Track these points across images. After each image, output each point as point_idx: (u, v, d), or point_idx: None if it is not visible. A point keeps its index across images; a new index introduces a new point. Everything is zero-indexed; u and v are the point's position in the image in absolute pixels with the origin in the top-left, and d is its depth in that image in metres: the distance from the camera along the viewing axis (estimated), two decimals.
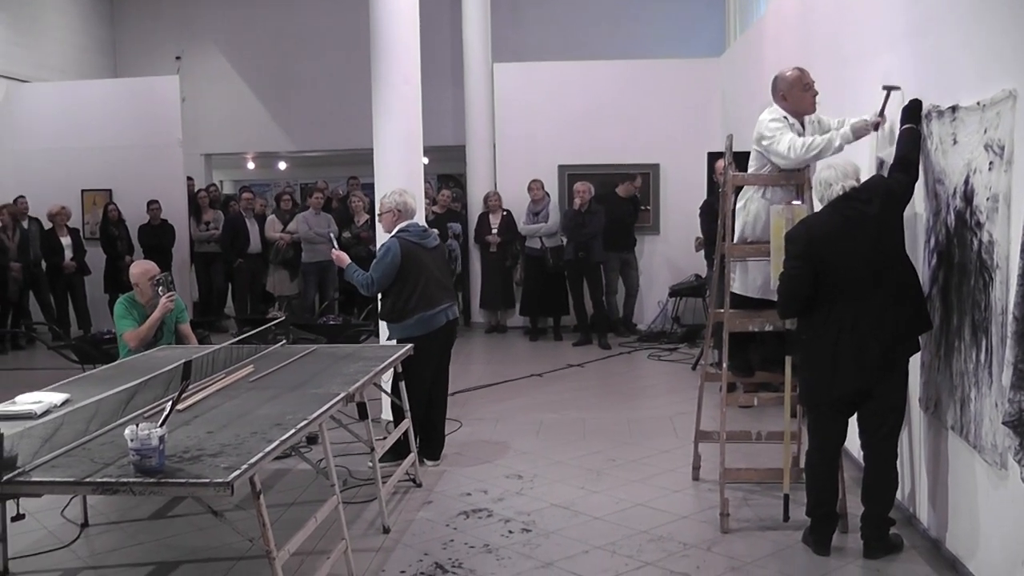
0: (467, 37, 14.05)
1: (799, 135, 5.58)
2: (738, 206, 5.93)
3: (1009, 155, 3.94)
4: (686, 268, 12.16)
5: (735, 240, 5.84)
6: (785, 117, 5.63)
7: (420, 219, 7.42)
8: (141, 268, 6.83)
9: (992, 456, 4.12)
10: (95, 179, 13.46)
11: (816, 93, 5.72)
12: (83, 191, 13.61)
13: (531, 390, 9.32)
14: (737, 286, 5.91)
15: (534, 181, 12.30)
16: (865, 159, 5.70)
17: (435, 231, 6.96)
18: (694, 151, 11.62)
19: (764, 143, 5.61)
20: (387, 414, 7.24)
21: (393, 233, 6.71)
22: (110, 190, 13.54)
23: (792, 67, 5.79)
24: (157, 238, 13.04)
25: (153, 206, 13.09)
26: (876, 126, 5.47)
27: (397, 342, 6.63)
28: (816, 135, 5.57)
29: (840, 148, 5.39)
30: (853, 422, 4.97)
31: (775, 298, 5.15)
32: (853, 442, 5.15)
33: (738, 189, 5.98)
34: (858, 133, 5.38)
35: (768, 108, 5.76)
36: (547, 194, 12.40)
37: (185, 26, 17.08)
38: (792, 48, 8.18)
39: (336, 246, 7.14)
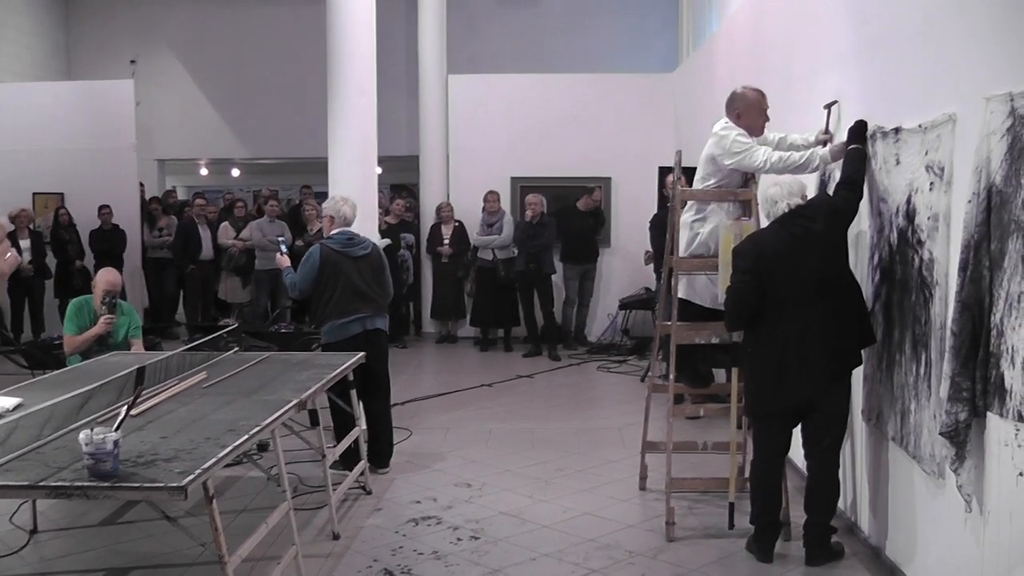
0: (422, 48, 14.06)
1: None
2: (687, 219, 5.99)
3: (949, 176, 4.05)
4: (636, 281, 12.29)
5: (683, 254, 5.90)
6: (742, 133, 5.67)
7: (367, 228, 7.43)
8: (104, 277, 6.82)
9: (930, 466, 4.22)
10: (47, 182, 13.25)
11: (768, 120, 5.79)
12: (34, 194, 13.37)
13: (481, 400, 9.35)
14: (684, 292, 5.94)
15: (490, 193, 12.29)
16: (810, 177, 5.81)
17: (368, 240, 6.87)
18: (646, 165, 11.73)
19: (736, 157, 5.57)
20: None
21: (321, 240, 6.81)
22: (62, 194, 13.32)
23: (753, 88, 5.80)
24: (108, 243, 12.84)
25: (104, 211, 12.89)
26: (824, 143, 5.59)
27: (321, 348, 6.66)
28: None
29: (817, 168, 5.46)
30: (797, 433, 5.07)
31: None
32: (797, 452, 5.24)
33: (684, 203, 6.04)
34: (835, 156, 5.34)
35: (722, 121, 5.77)
36: (502, 207, 12.42)
37: (140, 30, 16.93)
38: (744, 64, 8.31)
39: (284, 252, 7.13)
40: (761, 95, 5.77)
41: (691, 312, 5.90)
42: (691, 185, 5.97)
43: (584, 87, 13.11)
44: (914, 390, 4.43)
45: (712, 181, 5.80)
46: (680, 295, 5.83)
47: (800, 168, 5.43)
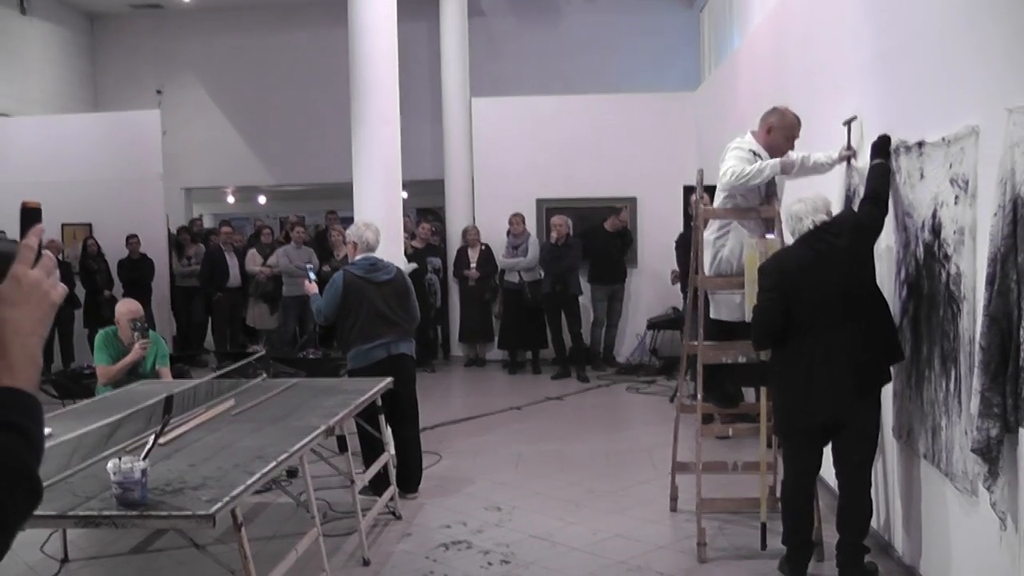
0: (445, 72, 14.14)
1: None
2: (709, 237, 5.99)
3: (973, 189, 4.03)
4: (664, 300, 12.26)
5: (708, 272, 5.90)
6: (752, 151, 5.72)
7: (393, 253, 7.48)
8: (126, 307, 6.89)
9: (963, 483, 4.18)
10: (75, 213, 13.39)
11: (792, 148, 5.81)
12: (63, 225, 13.56)
13: (510, 423, 9.35)
14: (712, 312, 5.95)
15: (515, 215, 12.33)
16: (835, 192, 5.80)
17: (392, 265, 6.89)
18: (670, 184, 11.77)
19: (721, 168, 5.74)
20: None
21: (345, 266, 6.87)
22: (90, 224, 13.49)
23: (795, 114, 5.85)
24: (137, 272, 12.98)
25: (132, 240, 13.03)
26: (848, 159, 5.60)
27: (348, 374, 6.71)
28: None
29: (768, 177, 5.58)
30: (828, 451, 5.03)
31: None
32: (828, 471, 5.20)
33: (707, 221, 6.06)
34: (784, 168, 5.55)
35: (739, 136, 5.85)
36: (527, 229, 12.43)
37: (166, 60, 17.09)
38: (766, 82, 8.31)
39: (312, 279, 7.17)
40: (798, 123, 5.82)
41: (719, 330, 5.90)
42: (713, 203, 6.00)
43: (607, 107, 13.15)
44: (944, 406, 4.40)
45: (724, 195, 5.85)
46: (710, 315, 5.85)
47: (750, 180, 5.57)
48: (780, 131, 5.75)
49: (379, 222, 7.07)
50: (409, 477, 6.82)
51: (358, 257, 6.78)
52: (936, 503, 4.60)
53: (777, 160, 5.57)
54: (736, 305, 5.86)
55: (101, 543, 5.87)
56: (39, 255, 1.47)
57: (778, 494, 5.52)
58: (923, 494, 4.78)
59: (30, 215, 1.51)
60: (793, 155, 5.66)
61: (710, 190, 6.09)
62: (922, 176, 4.63)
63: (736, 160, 5.65)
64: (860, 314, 4.72)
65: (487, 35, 15.99)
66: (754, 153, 5.69)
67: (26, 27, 15.42)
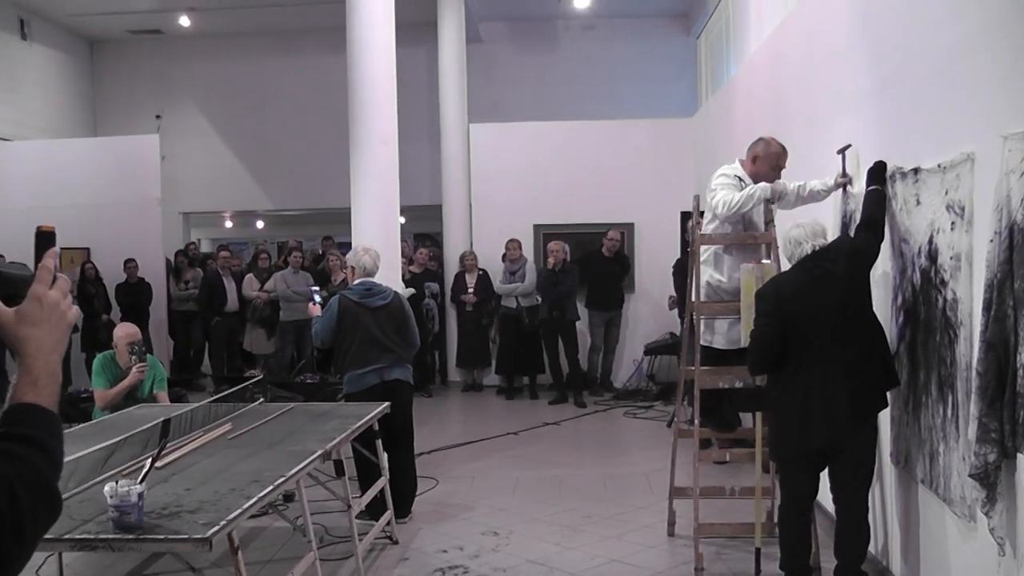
0: (443, 97, 14.15)
1: None
2: (705, 263, 6.03)
3: (969, 216, 4.05)
4: (661, 326, 12.27)
5: (703, 298, 5.93)
6: (738, 177, 5.84)
7: (390, 278, 7.49)
8: (124, 331, 6.92)
9: (961, 508, 4.18)
10: (73, 237, 13.39)
11: (779, 177, 5.90)
12: (61, 249, 13.46)
13: (507, 448, 9.33)
14: (704, 338, 5.99)
15: (511, 240, 12.38)
16: (831, 219, 5.83)
17: (388, 290, 6.90)
18: (668, 210, 11.80)
19: (708, 195, 5.84)
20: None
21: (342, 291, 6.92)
22: (88, 248, 13.51)
23: (780, 143, 5.96)
24: (134, 296, 12.97)
25: (130, 264, 13.03)
26: (844, 186, 5.63)
27: (344, 398, 6.76)
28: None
29: (759, 201, 5.68)
30: (825, 476, 5.03)
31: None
32: (825, 496, 5.20)
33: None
34: (775, 193, 5.66)
35: (726, 164, 5.97)
36: (523, 255, 12.45)
37: (165, 85, 17.12)
38: (762, 108, 8.35)
39: (316, 301, 7.14)
40: (783, 152, 5.93)
41: (713, 355, 5.92)
42: None
43: (605, 133, 13.22)
44: (942, 432, 4.40)
45: (715, 224, 5.92)
46: (702, 342, 5.87)
47: (743, 205, 5.67)
48: (765, 160, 5.87)
49: (377, 247, 7.09)
50: (401, 502, 6.79)
51: (356, 282, 6.81)
52: (934, 528, 4.59)
53: (768, 184, 5.64)
54: (731, 335, 5.90)
55: (98, 567, 5.85)
56: (55, 277, 1.52)
57: (775, 519, 5.52)
58: (921, 519, 4.77)
59: (45, 238, 1.58)
60: (785, 182, 5.72)
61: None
62: (918, 202, 4.65)
63: (724, 189, 5.75)
64: (857, 340, 4.73)
65: (485, 61, 16.10)
66: (740, 179, 5.81)
67: (26, 52, 15.48)
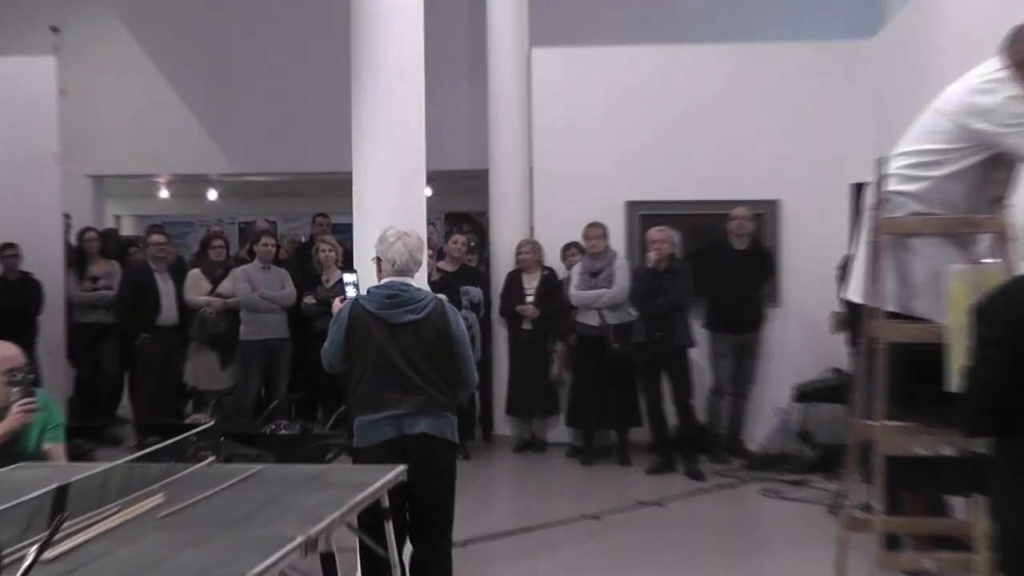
0: (492, 15, 13.97)
1: None
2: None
3: None
4: (820, 358, 12.17)
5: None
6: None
7: (421, 278, 7.39)
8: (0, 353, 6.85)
9: None
10: None
11: None
12: None
13: (583, 539, 9.31)
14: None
15: (592, 226, 12.31)
16: None
17: (428, 298, 6.70)
18: (831, 181, 11.64)
19: (1006, 131, 5.57)
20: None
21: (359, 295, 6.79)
22: None
23: None
24: (15, 299, 12.83)
25: (9, 252, 12.92)
26: None
27: (351, 456, 6.74)
28: None
29: None
30: None
31: None
32: None
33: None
34: None
35: (990, 64, 5.73)
36: (610, 247, 12.37)
37: None
38: (990, 10, 8.11)
39: (348, 296, 6.88)
40: None
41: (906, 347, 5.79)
42: None
43: (735, 63, 13.14)
44: None
45: (937, 160, 5.80)
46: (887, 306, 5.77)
47: None
48: None
49: (392, 232, 6.98)
50: None
51: (384, 280, 6.66)
52: None
53: None
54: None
55: None
56: None
57: None
58: None
59: None
60: None
61: None
62: None
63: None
64: None
65: None
66: None
67: None
